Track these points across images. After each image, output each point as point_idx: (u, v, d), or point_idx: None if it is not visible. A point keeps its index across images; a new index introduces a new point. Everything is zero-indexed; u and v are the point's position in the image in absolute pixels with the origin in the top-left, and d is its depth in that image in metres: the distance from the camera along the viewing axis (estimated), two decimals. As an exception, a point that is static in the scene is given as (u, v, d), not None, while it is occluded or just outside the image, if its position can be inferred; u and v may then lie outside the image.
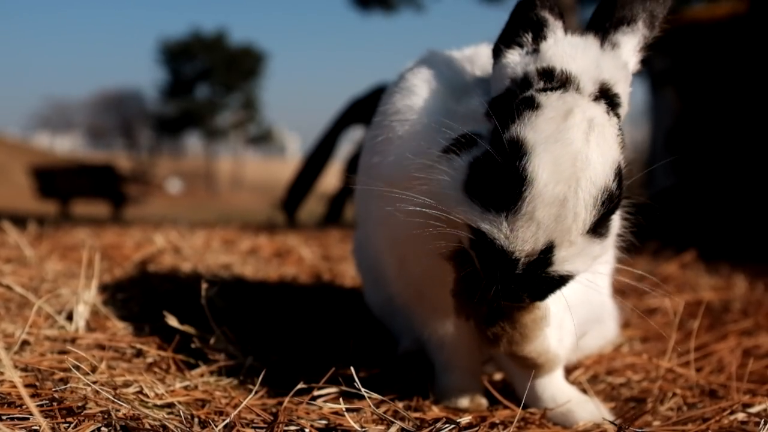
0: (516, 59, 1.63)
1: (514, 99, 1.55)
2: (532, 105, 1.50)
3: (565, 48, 1.60)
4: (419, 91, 1.84)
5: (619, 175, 1.51)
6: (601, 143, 1.48)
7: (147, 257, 3.66)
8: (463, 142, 1.59)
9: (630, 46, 1.66)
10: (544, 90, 1.54)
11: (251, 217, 12.43)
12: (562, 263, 1.49)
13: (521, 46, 1.64)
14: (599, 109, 1.53)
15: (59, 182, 22.80)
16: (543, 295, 1.53)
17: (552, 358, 1.82)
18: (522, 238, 1.46)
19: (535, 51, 1.61)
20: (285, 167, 45.18)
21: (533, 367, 1.83)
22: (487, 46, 1.86)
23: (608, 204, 1.49)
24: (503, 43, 1.66)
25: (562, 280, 1.52)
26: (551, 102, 1.50)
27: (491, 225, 1.49)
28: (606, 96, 1.57)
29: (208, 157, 70.15)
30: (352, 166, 8.87)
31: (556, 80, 1.55)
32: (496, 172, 1.49)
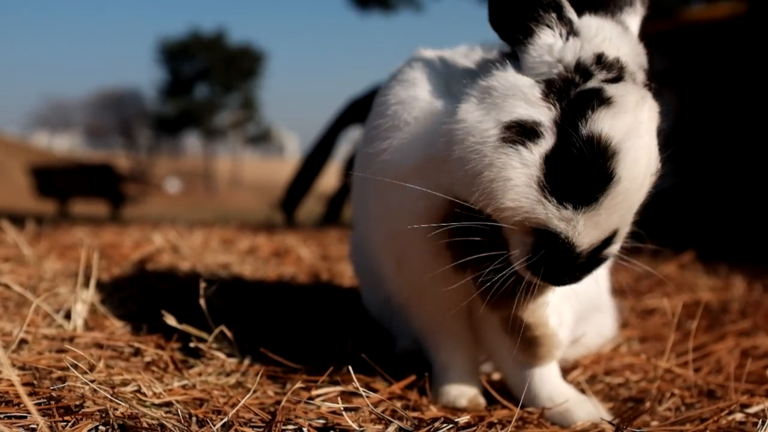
0: (558, 43, 1.60)
1: (577, 87, 1.54)
2: (605, 99, 1.51)
3: (606, 32, 1.60)
4: (420, 82, 1.82)
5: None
6: (654, 129, 1.56)
7: (145, 256, 3.66)
8: (523, 128, 1.55)
9: (635, 25, 1.68)
10: (609, 81, 1.54)
11: (250, 217, 12.42)
12: (617, 243, 1.59)
13: (549, 27, 1.61)
14: (651, 98, 1.58)
15: (58, 181, 22.81)
16: (592, 272, 1.61)
17: (549, 334, 1.83)
18: (593, 233, 1.54)
19: (572, 33, 1.59)
20: (284, 167, 45.20)
21: (530, 344, 1.84)
22: (482, 46, 1.86)
23: (654, 180, 1.59)
24: (528, 20, 1.61)
25: (608, 258, 1.62)
26: (622, 95, 1.52)
27: (567, 223, 1.54)
28: (648, 83, 1.62)
29: (207, 156, 70.12)
30: (350, 166, 8.86)
31: (615, 69, 1.56)
32: (581, 169, 1.50)
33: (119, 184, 23.76)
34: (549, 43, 1.60)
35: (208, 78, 69.22)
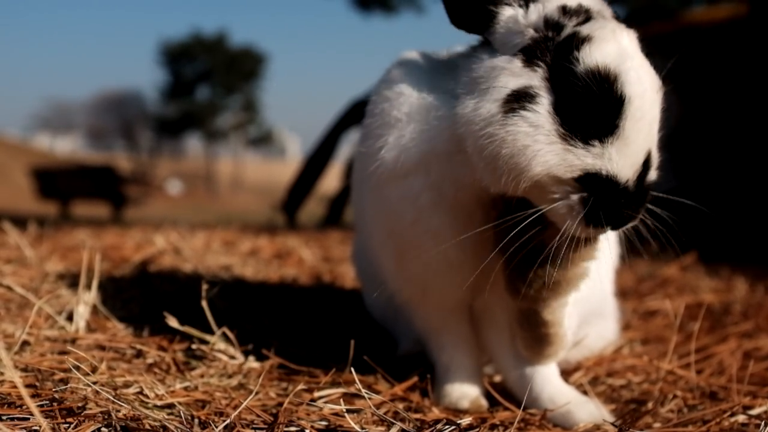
0: (520, 11, 1.65)
1: (554, 41, 1.59)
2: (584, 38, 1.55)
3: None
4: (404, 79, 1.87)
5: None
6: (639, 53, 1.59)
7: (147, 258, 3.66)
8: (519, 96, 1.57)
9: None
10: (580, 24, 1.59)
11: (251, 219, 12.43)
12: (654, 165, 1.61)
13: (507, 3, 1.67)
14: (623, 28, 1.61)
15: (59, 183, 22.82)
16: (644, 207, 1.61)
17: (561, 335, 1.84)
18: (631, 159, 1.55)
19: (532, 0, 1.64)
20: (285, 169, 45.19)
21: (541, 341, 1.85)
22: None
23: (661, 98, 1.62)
24: (486, 5, 1.67)
25: (651, 188, 1.62)
26: (596, 29, 1.56)
27: (602, 159, 1.54)
28: (617, 17, 1.66)
29: (209, 158, 70.17)
30: (352, 167, 8.86)
31: (581, 13, 1.61)
32: (591, 103, 1.52)
33: (121, 185, 23.78)
34: (512, 16, 1.66)
35: (210, 80, 69.27)
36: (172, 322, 2.16)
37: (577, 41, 1.55)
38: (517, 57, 1.61)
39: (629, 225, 1.61)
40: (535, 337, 1.85)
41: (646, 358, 2.35)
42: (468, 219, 1.76)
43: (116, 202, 23.17)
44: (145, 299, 2.77)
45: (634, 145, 1.54)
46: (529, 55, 1.60)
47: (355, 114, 10.07)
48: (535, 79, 1.58)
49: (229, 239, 4.97)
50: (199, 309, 2.21)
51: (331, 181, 12.65)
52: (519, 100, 1.57)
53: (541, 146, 1.54)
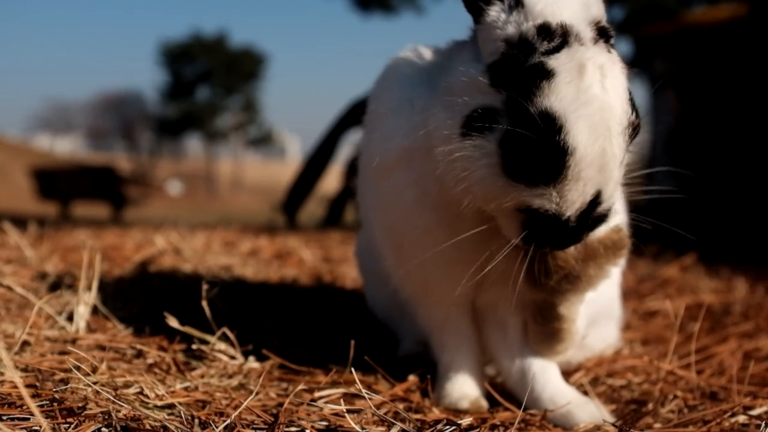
0: (502, 16, 1.61)
1: (520, 66, 1.54)
2: (546, 73, 1.51)
3: None
4: (394, 76, 1.92)
5: (632, 101, 1.58)
6: (615, 84, 1.54)
7: (147, 258, 3.66)
8: (479, 118, 1.57)
9: None
10: (550, 52, 1.53)
11: (251, 219, 12.43)
12: (607, 201, 1.58)
13: (498, 1, 1.62)
14: (603, 52, 1.56)
15: (60, 184, 22.80)
16: (592, 232, 1.63)
17: (573, 332, 1.87)
18: (572, 200, 1.54)
19: (518, 4, 1.59)
20: (285, 169, 45.21)
21: (552, 336, 1.87)
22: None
23: (632, 132, 1.57)
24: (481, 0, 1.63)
25: (607, 215, 1.61)
26: (563, 64, 1.51)
27: (542, 199, 1.55)
28: (602, 33, 1.59)
29: (209, 158, 70.15)
30: (352, 168, 8.88)
31: (557, 37, 1.55)
32: (535, 148, 1.50)
33: (121, 186, 23.77)
34: (494, 20, 1.61)
35: (210, 80, 69.23)
36: (173, 322, 2.16)
37: (539, 75, 1.51)
38: (487, 73, 1.60)
39: (563, 248, 1.64)
40: (548, 332, 1.88)
41: (646, 358, 2.35)
42: (456, 217, 1.74)
43: (116, 202, 23.15)
44: (145, 299, 2.77)
45: (579, 190, 1.53)
46: (497, 73, 1.58)
47: (355, 114, 10.07)
48: (497, 101, 1.57)
49: (230, 240, 4.97)
50: (199, 309, 2.21)
51: (331, 181, 12.63)
52: (478, 120, 1.57)
53: (485, 176, 1.58)
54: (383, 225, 1.96)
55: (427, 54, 1.92)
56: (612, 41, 1.62)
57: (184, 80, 69.26)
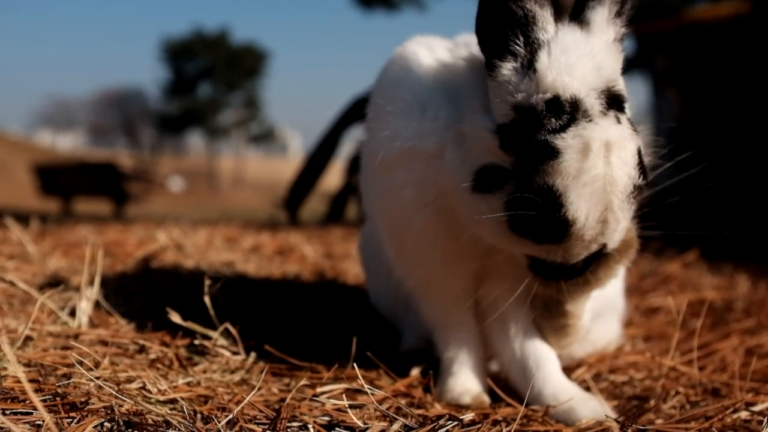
0: (514, 78, 1.59)
1: (528, 138, 1.56)
2: (552, 152, 1.53)
3: (561, 60, 1.55)
4: (395, 74, 1.90)
5: (640, 164, 1.60)
6: (620, 155, 1.55)
7: (149, 254, 3.66)
8: (489, 176, 1.63)
9: (600, 19, 1.60)
10: (557, 131, 1.53)
11: (253, 216, 12.43)
12: (613, 245, 1.67)
13: (514, 55, 1.59)
14: (611, 124, 1.55)
15: (61, 180, 22.82)
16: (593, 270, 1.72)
17: (579, 327, 1.91)
18: (577, 254, 1.63)
19: (531, 65, 1.56)
20: (287, 166, 45.20)
21: (559, 331, 1.92)
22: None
23: (638, 193, 1.61)
24: (495, 55, 1.60)
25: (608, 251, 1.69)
26: (569, 145, 1.53)
27: (547, 253, 1.64)
28: (613, 101, 1.58)
29: (210, 155, 70.18)
30: (354, 164, 8.88)
31: (565, 114, 1.54)
32: (539, 217, 1.56)
33: (123, 182, 23.75)
34: (507, 80, 1.60)
35: (212, 77, 69.21)
36: (175, 317, 2.16)
37: (545, 153, 1.53)
38: (497, 135, 1.61)
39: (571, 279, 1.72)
40: (555, 328, 1.92)
41: (648, 354, 2.35)
42: (453, 221, 1.77)
43: (118, 198, 23.15)
44: (147, 295, 2.77)
45: (582, 246, 1.61)
46: (506, 137, 1.59)
47: (357, 111, 10.04)
48: (506, 163, 1.61)
49: (231, 236, 4.98)
50: (201, 305, 2.21)
51: (333, 178, 12.64)
52: (488, 178, 1.63)
53: (493, 229, 1.65)
54: (385, 218, 1.97)
55: (440, 49, 1.88)
56: (625, 106, 1.62)
57: (185, 77, 69.24)
